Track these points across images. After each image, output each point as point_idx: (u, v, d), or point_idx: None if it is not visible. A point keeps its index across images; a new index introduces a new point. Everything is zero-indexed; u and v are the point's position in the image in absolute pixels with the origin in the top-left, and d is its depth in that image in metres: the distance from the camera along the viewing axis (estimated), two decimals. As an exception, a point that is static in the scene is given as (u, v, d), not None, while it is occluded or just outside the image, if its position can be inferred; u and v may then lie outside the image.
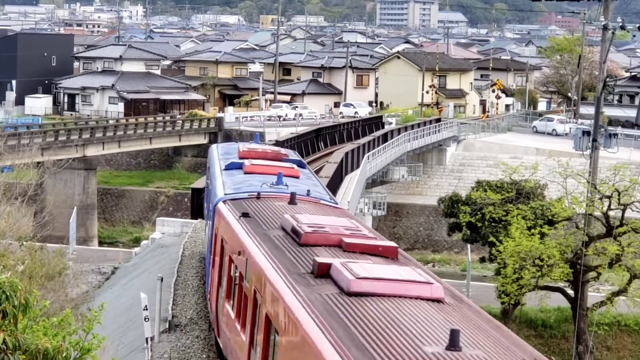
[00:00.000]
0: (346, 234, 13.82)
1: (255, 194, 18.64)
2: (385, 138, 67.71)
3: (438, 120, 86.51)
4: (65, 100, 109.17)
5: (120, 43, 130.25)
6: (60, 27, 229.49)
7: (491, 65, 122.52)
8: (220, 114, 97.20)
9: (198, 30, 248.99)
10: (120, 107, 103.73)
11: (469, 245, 46.21)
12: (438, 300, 11.04)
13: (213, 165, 24.09)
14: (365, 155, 57.43)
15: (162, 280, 23.72)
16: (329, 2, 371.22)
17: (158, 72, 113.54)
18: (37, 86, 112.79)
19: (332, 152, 56.50)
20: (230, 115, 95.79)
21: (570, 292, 37.89)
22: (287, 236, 14.49)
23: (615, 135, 40.08)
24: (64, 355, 10.35)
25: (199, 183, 39.48)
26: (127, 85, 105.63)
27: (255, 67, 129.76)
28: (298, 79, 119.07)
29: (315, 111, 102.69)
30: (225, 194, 19.23)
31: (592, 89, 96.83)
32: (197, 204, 37.62)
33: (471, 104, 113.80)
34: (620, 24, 38.23)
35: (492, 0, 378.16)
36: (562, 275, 35.31)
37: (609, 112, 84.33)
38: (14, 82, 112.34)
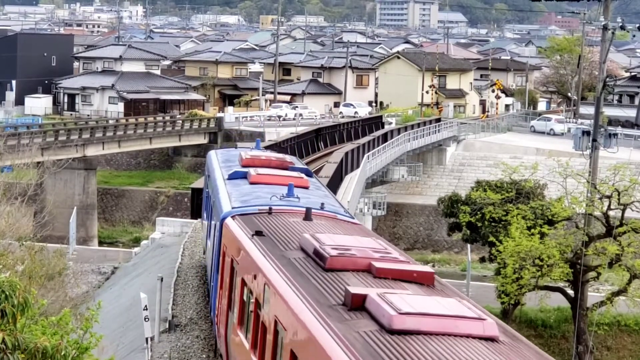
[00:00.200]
0: (375, 257, 12.51)
1: (267, 208, 17.15)
2: (385, 138, 67.70)
3: (438, 120, 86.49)
4: (65, 100, 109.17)
5: (120, 43, 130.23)
6: (60, 27, 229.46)
7: (491, 65, 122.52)
8: (220, 114, 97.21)
9: (198, 30, 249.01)
10: (120, 107, 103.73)
11: (468, 245, 46.22)
12: (492, 339, 9.91)
13: (214, 173, 22.85)
14: (365, 155, 57.42)
15: (162, 280, 23.72)
16: (328, 2, 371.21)
17: (158, 72, 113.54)
18: (37, 86, 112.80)
19: (332, 152, 56.48)
20: (230, 115, 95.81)
21: (570, 292, 37.89)
22: (309, 259, 13.10)
23: (615, 135, 40.08)
24: (62, 353, 10.35)
25: (199, 183, 39.44)
26: (127, 85, 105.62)
27: (255, 67, 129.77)
28: (298, 79, 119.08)
29: (315, 111, 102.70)
30: (232, 208, 17.80)
31: (592, 89, 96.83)
32: (197, 204, 37.60)
33: (471, 104, 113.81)
34: (620, 24, 38.23)
35: (492, 0, 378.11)
36: (562, 275, 35.30)
37: (608, 112, 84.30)
38: (14, 82, 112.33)
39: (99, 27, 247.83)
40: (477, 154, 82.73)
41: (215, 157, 25.21)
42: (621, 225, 35.86)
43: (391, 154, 67.12)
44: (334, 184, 43.86)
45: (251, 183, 19.74)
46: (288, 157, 23.81)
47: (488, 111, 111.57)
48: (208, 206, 23.76)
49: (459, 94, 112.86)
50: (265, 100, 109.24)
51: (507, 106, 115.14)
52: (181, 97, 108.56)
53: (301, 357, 10.65)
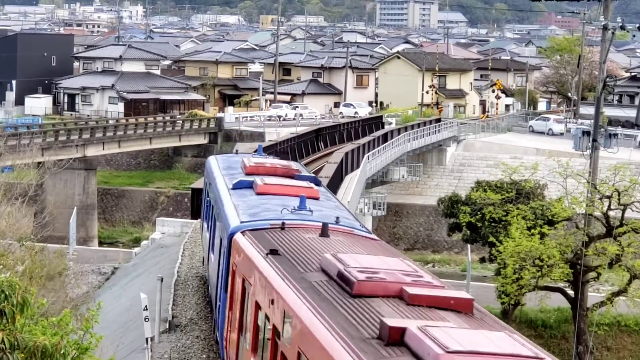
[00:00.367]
0: (407, 282, 11.38)
1: (279, 223, 15.95)
2: (385, 138, 67.69)
3: (438, 120, 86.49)
4: (65, 100, 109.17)
5: (120, 43, 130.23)
6: (60, 27, 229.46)
7: (491, 65, 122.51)
8: (220, 114, 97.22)
9: (198, 30, 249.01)
10: (120, 107, 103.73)
11: (468, 246, 46.20)
12: None
13: (215, 182, 21.69)
14: (365, 156, 57.41)
15: (162, 281, 23.72)
16: (328, 2, 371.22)
17: (158, 72, 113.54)
18: (37, 86, 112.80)
19: (332, 152, 56.49)
20: (230, 116, 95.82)
21: (570, 292, 37.88)
22: (333, 283, 11.93)
23: (615, 135, 40.07)
24: (62, 352, 10.34)
25: (199, 183, 39.40)
26: (127, 85, 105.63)
27: (255, 67, 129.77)
28: (298, 79, 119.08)
29: (315, 111, 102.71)
30: (241, 222, 16.53)
31: (592, 89, 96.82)
32: (197, 204, 37.57)
33: (471, 104, 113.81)
34: (620, 24, 38.22)
35: (492, 0, 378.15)
36: (562, 276, 35.30)
37: (608, 112, 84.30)
38: (14, 82, 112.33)
39: (99, 27, 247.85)
40: (477, 154, 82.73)
41: (215, 163, 24.13)
42: (621, 225, 35.86)
43: (391, 154, 67.11)
44: (334, 184, 43.87)
45: (258, 194, 18.60)
46: (294, 164, 22.68)
47: (488, 111, 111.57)
48: (209, 215, 22.60)
49: (459, 94, 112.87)
50: (266, 101, 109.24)
51: (507, 106, 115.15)
52: (181, 97, 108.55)
53: None
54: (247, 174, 20.52)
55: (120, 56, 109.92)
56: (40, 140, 69.36)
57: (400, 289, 11.13)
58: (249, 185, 19.32)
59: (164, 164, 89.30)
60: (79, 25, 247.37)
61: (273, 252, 13.93)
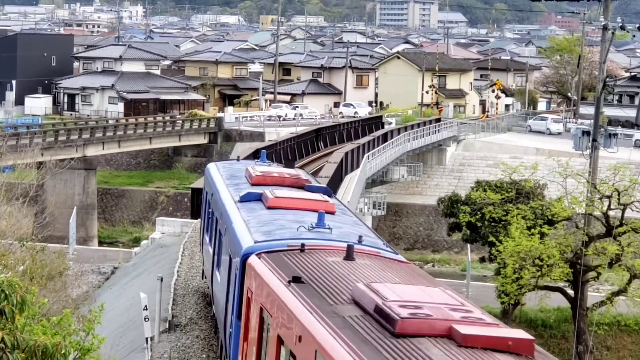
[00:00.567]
0: (456, 319, 10.11)
1: (298, 244, 14.43)
2: (385, 138, 67.71)
3: (438, 120, 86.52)
4: (65, 100, 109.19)
5: (120, 43, 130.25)
6: (60, 27, 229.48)
7: (491, 65, 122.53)
8: (220, 114, 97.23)
9: (198, 30, 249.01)
10: (120, 107, 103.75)
11: (468, 245, 46.20)
12: None
13: (219, 193, 20.28)
14: (365, 155, 57.43)
15: (162, 280, 23.74)
16: (328, 2, 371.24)
17: (158, 72, 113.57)
18: (37, 86, 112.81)
19: (332, 152, 56.50)
20: (230, 115, 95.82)
21: (570, 292, 37.88)
22: (369, 319, 10.60)
23: (615, 135, 40.07)
24: (62, 352, 10.35)
25: (199, 183, 39.43)
26: (127, 85, 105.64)
27: (255, 67, 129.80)
28: (298, 79, 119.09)
29: (315, 111, 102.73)
30: (255, 242, 15.03)
31: (592, 89, 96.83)
32: (197, 204, 37.58)
33: (471, 104, 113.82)
34: (620, 24, 38.22)
35: (492, 0, 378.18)
36: (562, 275, 35.29)
37: (608, 112, 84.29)
38: (13, 82, 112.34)
39: (99, 27, 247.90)
40: (477, 154, 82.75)
41: (217, 171, 22.65)
42: (621, 225, 35.85)
43: (391, 154, 67.13)
44: (334, 184, 43.88)
45: (269, 207, 17.20)
46: (302, 173, 21.30)
47: (488, 111, 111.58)
48: (212, 228, 21.13)
49: (459, 94, 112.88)
50: (265, 100, 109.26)
51: (507, 106, 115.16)
52: (181, 97, 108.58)
53: None
54: (254, 185, 19.38)
55: (120, 56, 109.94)
56: (40, 140, 69.39)
57: (449, 327, 9.86)
58: (258, 198, 17.95)
59: (164, 164, 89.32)
60: (79, 25, 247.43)
61: (296, 280, 12.53)
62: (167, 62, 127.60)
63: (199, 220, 35.70)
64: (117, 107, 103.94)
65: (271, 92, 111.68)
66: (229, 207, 18.25)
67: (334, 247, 14.49)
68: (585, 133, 37.24)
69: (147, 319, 21.52)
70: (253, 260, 14.26)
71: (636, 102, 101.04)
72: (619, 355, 43.06)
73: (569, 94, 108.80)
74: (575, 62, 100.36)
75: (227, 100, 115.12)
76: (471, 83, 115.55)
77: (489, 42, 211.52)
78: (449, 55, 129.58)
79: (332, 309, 11.16)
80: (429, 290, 11.19)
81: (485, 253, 44.98)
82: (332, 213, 16.86)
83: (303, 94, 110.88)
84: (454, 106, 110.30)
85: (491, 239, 38.66)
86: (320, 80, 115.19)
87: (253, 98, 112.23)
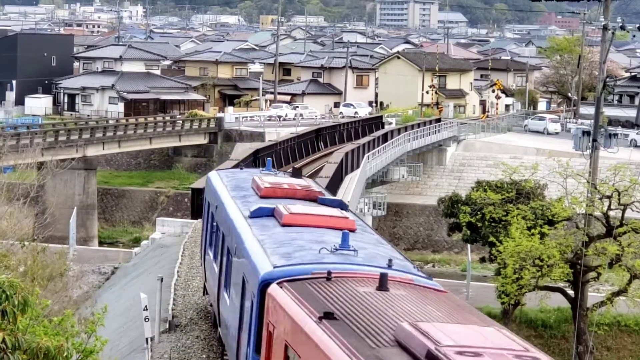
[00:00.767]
0: None
1: (323, 271, 12.78)
2: (385, 138, 67.72)
3: (438, 120, 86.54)
4: (65, 100, 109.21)
5: (120, 43, 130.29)
6: (60, 27, 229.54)
7: (491, 65, 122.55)
8: (220, 114, 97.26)
9: (198, 30, 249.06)
10: (120, 107, 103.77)
11: (469, 246, 46.25)
12: None
13: (224, 206, 18.71)
14: (365, 156, 57.43)
15: (162, 281, 23.74)
16: (329, 2, 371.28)
17: (158, 72, 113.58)
18: (37, 86, 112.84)
19: (332, 152, 56.49)
20: (230, 116, 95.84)
21: (570, 292, 37.90)
22: None
23: (615, 135, 40.08)
24: (64, 355, 10.36)
25: (199, 183, 39.43)
26: (127, 85, 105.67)
27: (255, 67, 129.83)
28: (298, 79, 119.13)
29: (316, 111, 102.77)
30: (274, 267, 13.45)
31: (592, 89, 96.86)
32: (197, 204, 37.58)
33: (471, 104, 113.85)
34: (620, 24, 38.23)
35: (492, 0, 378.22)
36: (562, 276, 35.31)
37: (608, 112, 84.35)
38: (14, 82, 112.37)
39: (99, 27, 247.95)
40: (477, 154, 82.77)
41: (220, 181, 21.00)
42: (621, 225, 35.87)
43: (391, 154, 67.14)
44: (334, 184, 43.89)
45: (284, 225, 15.58)
46: (313, 185, 19.81)
47: (488, 111, 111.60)
48: (217, 244, 19.46)
49: (459, 94, 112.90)
50: (266, 101, 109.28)
51: (507, 106, 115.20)
52: (181, 97, 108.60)
53: None
54: (263, 197, 17.86)
55: (120, 56, 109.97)
56: (41, 141, 69.41)
57: None
58: (270, 214, 16.35)
59: (164, 164, 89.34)
60: (79, 25, 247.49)
61: (328, 316, 10.89)
62: (167, 62, 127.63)
63: (199, 220, 35.71)
64: (117, 107, 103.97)
65: (271, 92, 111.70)
66: (238, 223, 16.72)
67: (363, 274, 12.92)
68: (586, 133, 37.26)
69: (147, 319, 21.52)
70: (274, 290, 12.57)
71: (636, 102, 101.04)
72: (619, 356, 43.07)
73: (569, 94, 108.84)
74: (575, 62, 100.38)
75: (227, 100, 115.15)
76: (471, 83, 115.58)
77: (489, 42, 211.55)
78: (449, 56, 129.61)
79: (375, 354, 9.68)
80: (484, 331, 9.90)
81: (486, 253, 45.00)
82: (353, 231, 15.23)
83: (303, 94, 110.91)
84: (454, 106, 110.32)
85: (491, 239, 38.68)
86: (321, 80, 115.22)
87: (253, 98, 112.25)
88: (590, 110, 62.78)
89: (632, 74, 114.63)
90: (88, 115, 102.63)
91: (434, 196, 68.60)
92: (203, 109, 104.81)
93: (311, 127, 73.27)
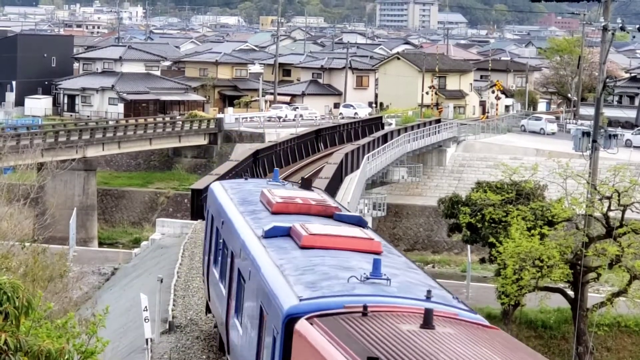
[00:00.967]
0: None
1: (357, 305, 11.26)
2: (385, 139, 67.73)
3: (438, 121, 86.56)
4: (65, 101, 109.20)
5: (120, 44, 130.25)
6: (60, 28, 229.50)
7: (491, 66, 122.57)
8: (220, 115, 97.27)
9: (198, 31, 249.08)
10: (120, 108, 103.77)
11: (468, 246, 46.26)
12: None
13: (232, 222, 17.21)
14: (365, 156, 57.45)
15: (162, 281, 23.75)
16: (328, 3, 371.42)
17: (158, 73, 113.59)
18: (37, 87, 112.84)
19: (332, 153, 56.50)
20: (230, 116, 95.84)
21: (570, 293, 37.91)
22: None
23: (615, 136, 40.09)
24: (66, 357, 10.37)
25: (199, 184, 39.44)
26: (126, 86, 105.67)
27: (255, 68, 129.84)
28: (298, 80, 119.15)
29: (315, 112, 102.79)
30: (301, 300, 11.77)
31: (592, 89, 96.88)
32: (197, 205, 37.59)
33: (471, 105, 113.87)
34: (620, 25, 38.24)
35: (492, 1, 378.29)
36: (562, 276, 35.32)
37: (608, 113, 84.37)
38: (13, 83, 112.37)
39: (98, 28, 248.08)
40: (477, 155, 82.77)
41: (224, 193, 19.39)
42: (621, 226, 35.89)
43: (391, 155, 67.16)
44: (334, 185, 43.89)
45: (303, 247, 13.92)
46: (328, 198, 18.33)
47: (488, 112, 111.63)
48: (226, 264, 17.78)
49: (459, 95, 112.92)
50: (265, 101, 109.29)
51: (507, 107, 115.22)
52: (181, 98, 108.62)
53: None
54: (275, 214, 16.36)
55: (120, 57, 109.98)
56: (41, 141, 69.41)
57: None
58: (286, 233, 14.81)
59: (164, 165, 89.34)
60: (78, 26, 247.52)
61: None
62: (167, 63, 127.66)
63: (198, 221, 35.77)
64: (117, 108, 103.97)
65: (271, 93, 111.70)
66: (250, 243, 15.15)
67: (402, 307, 11.35)
68: (585, 134, 37.27)
69: (147, 320, 21.53)
70: (304, 327, 10.98)
71: (636, 103, 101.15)
72: (619, 356, 43.07)
73: (569, 95, 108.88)
74: (575, 63, 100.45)
75: (227, 101, 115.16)
76: (471, 84, 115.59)
77: (489, 43, 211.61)
78: (448, 56, 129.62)
79: None
80: None
81: (486, 254, 45.00)
82: (379, 253, 13.68)
83: (303, 94, 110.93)
84: (454, 107, 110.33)
85: (491, 240, 38.69)
86: (320, 81, 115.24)
87: (253, 99, 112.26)
88: (590, 111, 62.80)
89: (632, 74, 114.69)
90: (88, 116, 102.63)
91: (433, 197, 68.61)
92: (203, 110, 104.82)
93: (311, 127, 73.27)
